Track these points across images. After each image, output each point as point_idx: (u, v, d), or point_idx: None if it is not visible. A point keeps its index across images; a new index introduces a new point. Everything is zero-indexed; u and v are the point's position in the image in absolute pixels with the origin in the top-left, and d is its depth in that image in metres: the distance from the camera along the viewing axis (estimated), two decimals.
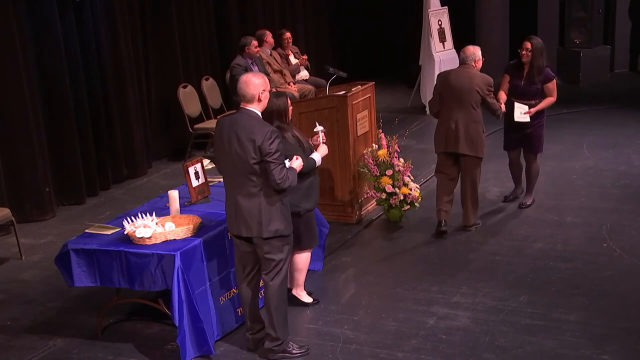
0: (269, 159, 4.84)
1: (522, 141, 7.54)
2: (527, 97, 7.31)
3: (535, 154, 7.54)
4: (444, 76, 7.09)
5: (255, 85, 4.99)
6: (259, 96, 5.00)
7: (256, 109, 5.02)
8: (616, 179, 8.57)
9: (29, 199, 8.08)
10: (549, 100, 7.35)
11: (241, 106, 5.06)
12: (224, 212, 5.64)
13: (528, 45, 7.24)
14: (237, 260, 5.25)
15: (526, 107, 7.30)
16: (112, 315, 5.86)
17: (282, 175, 4.87)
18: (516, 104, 7.30)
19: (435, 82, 7.26)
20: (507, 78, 7.49)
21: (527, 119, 7.31)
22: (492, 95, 6.97)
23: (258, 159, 4.86)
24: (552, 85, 7.32)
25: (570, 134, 10.53)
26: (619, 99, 12.33)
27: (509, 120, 7.45)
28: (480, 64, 7.03)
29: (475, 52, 7.01)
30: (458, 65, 7.26)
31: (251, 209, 4.95)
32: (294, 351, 5.23)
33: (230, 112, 5.34)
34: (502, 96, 7.42)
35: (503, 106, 7.19)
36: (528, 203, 7.71)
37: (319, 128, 5.78)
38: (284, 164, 4.96)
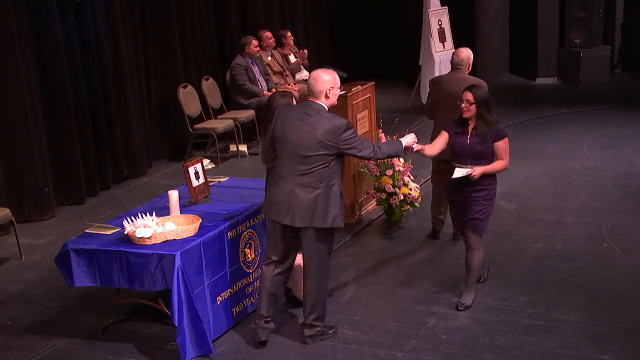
0: (353, 145, 5.02)
1: (463, 214, 5.77)
2: (474, 160, 5.59)
3: (478, 233, 5.75)
4: (435, 83, 6.97)
5: (324, 81, 5.08)
6: (326, 93, 5.09)
7: (324, 103, 5.11)
8: (616, 179, 8.57)
9: (28, 199, 8.08)
10: (501, 164, 5.64)
11: (309, 99, 5.14)
12: (224, 212, 5.67)
13: (469, 96, 5.59)
14: (272, 246, 5.30)
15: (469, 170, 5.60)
16: (112, 315, 5.86)
17: (369, 148, 5.10)
18: (457, 168, 5.64)
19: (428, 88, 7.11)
20: (444, 135, 5.74)
21: (468, 171, 5.57)
22: None
23: (329, 150, 4.98)
24: (504, 145, 5.64)
25: (570, 134, 10.53)
26: (619, 99, 12.33)
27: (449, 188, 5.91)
28: (470, 66, 6.92)
29: (470, 55, 6.83)
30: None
31: (307, 200, 5.02)
32: (329, 331, 5.41)
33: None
34: (428, 150, 5.72)
35: (425, 149, 5.63)
36: (467, 304, 5.78)
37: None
38: (364, 139, 5.15)
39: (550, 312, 5.65)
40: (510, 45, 15.26)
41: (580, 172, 8.88)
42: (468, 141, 5.62)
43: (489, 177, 5.66)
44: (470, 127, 5.65)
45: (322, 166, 5.01)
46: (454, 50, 10.26)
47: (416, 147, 5.47)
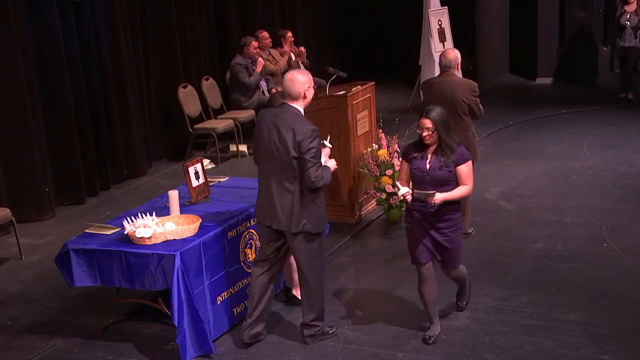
0: (306, 157, 4.92)
1: (435, 248, 5.23)
2: (436, 187, 5.10)
3: (457, 267, 5.39)
4: (427, 87, 6.97)
5: (301, 82, 5.05)
6: (304, 93, 5.07)
7: (300, 106, 5.09)
8: (616, 179, 8.57)
9: (28, 199, 8.08)
10: (464, 190, 5.15)
11: (285, 102, 5.11)
12: (224, 212, 5.68)
13: (427, 123, 5.07)
14: (260, 247, 5.35)
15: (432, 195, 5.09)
16: (112, 315, 5.86)
17: (317, 174, 4.95)
18: (416, 191, 5.13)
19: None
20: (406, 166, 5.29)
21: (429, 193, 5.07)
22: (479, 100, 6.77)
23: (297, 155, 4.94)
24: (468, 169, 5.15)
25: (570, 134, 10.53)
26: (619, 99, 12.32)
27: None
28: (459, 67, 6.90)
29: (457, 56, 6.79)
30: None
31: (284, 203, 5.03)
32: (330, 330, 5.42)
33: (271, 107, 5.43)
34: (404, 185, 5.29)
35: (406, 195, 5.19)
36: (464, 303, 5.71)
37: (327, 144, 5.75)
38: (320, 163, 5.03)
39: (550, 312, 5.65)
40: (510, 45, 15.27)
41: (580, 172, 8.88)
42: (428, 167, 5.15)
43: (453, 204, 5.16)
44: (430, 151, 5.17)
45: (296, 170, 4.99)
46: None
47: (402, 195, 5.16)
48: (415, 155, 5.21)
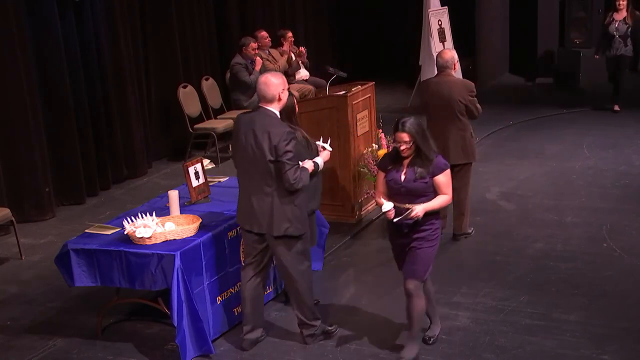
0: (283, 160, 4.90)
1: (404, 256, 5.09)
2: (412, 199, 4.90)
3: (417, 278, 5.02)
4: (424, 87, 6.98)
5: (275, 85, 5.03)
6: (279, 95, 5.05)
7: (275, 108, 5.07)
8: (616, 179, 8.57)
9: (28, 199, 8.08)
10: (444, 200, 4.96)
11: (260, 105, 5.10)
12: (224, 212, 5.68)
13: (405, 136, 4.86)
14: (246, 252, 5.33)
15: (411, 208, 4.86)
16: (112, 315, 5.86)
17: (295, 176, 4.93)
18: (395, 209, 4.91)
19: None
20: (382, 177, 5.07)
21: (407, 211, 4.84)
22: (476, 100, 6.78)
23: (273, 158, 4.92)
24: (446, 178, 4.95)
25: (570, 134, 10.53)
26: (619, 99, 12.31)
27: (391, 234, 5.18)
28: (458, 66, 6.90)
29: (454, 55, 6.79)
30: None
31: (263, 207, 5.02)
32: (331, 329, 5.43)
33: (247, 110, 5.44)
34: (382, 200, 5.04)
35: (390, 213, 4.90)
36: (410, 358, 5.06)
37: (327, 147, 5.72)
38: (298, 164, 5.01)
39: (550, 312, 5.64)
40: (510, 45, 15.26)
41: (580, 172, 8.88)
42: (402, 178, 4.93)
43: (432, 214, 4.95)
44: (405, 163, 4.96)
45: (274, 174, 4.97)
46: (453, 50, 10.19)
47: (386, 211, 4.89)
48: (390, 166, 5.01)
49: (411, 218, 4.83)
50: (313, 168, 5.22)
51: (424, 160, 4.90)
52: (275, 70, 10.77)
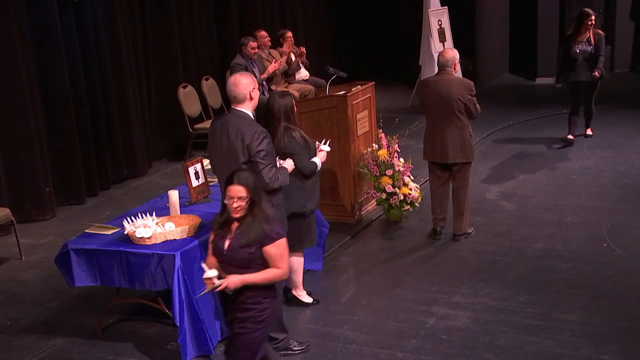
0: (257, 159, 4.86)
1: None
2: (239, 270, 4.12)
3: None
4: (423, 86, 6.98)
5: (245, 84, 5.00)
6: (250, 95, 5.01)
7: (246, 109, 5.04)
8: (616, 179, 8.57)
9: (29, 199, 8.09)
10: (273, 274, 4.15)
11: (232, 107, 5.07)
12: None
13: (239, 191, 4.09)
14: None
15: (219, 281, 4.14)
16: (112, 315, 5.86)
17: (271, 175, 4.89)
18: (211, 279, 4.15)
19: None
20: (211, 237, 4.33)
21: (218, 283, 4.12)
22: (475, 99, 6.77)
23: (247, 159, 4.88)
24: (278, 250, 4.13)
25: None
26: (619, 99, 12.32)
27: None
28: (458, 66, 6.90)
29: (455, 55, 6.77)
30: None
31: None
32: (295, 348, 5.27)
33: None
34: (210, 267, 4.22)
35: (209, 282, 4.15)
36: None
37: (325, 147, 5.72)
38: (273, 164, 4.97)
39: (550, 312, 5.65)
40: (510, 45, 15.26)
41: (580, 172, 8.88)
42: (226, 245, 4.14)
43: (261, 290, 4.14)
44: (234, 226, 4.16)
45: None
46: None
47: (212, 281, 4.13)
48: (218, 230, 4.22)
49: (225, 290, 4.07)
50: (293, 168, 5.20)
51: (254, 225, 4.09)
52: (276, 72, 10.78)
